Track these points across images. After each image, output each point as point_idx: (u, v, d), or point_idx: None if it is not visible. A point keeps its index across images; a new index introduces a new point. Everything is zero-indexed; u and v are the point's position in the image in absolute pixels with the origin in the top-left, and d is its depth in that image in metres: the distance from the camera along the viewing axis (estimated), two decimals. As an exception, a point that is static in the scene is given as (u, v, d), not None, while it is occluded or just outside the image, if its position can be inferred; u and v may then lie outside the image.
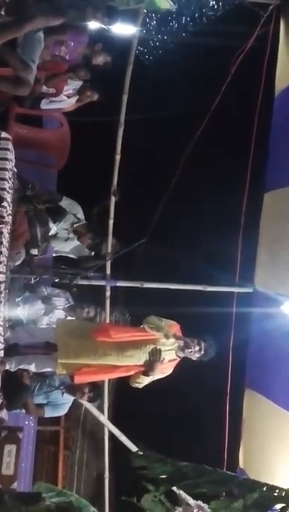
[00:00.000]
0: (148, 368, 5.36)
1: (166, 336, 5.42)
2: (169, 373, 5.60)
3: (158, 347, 5.36)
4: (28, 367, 5.57)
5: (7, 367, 5.47)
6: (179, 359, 5.54)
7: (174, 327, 5.60)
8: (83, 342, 5.43)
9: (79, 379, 5.57)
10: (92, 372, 5.51)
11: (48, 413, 6.16)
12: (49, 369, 5.60)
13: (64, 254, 7.05)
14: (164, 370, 5.54)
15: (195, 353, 5.45)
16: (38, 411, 6.08)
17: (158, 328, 5.49)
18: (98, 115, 7.78)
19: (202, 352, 5.44)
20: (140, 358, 5.38)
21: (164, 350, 5.41)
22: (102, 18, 5.79)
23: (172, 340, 5.45)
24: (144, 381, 5.45)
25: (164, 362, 5.41)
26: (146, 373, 5.38)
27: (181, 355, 5.51)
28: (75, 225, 6.83)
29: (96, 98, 6.78)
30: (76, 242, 6.97)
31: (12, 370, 5.51)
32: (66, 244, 6.95)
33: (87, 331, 5.55)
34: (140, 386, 5.50)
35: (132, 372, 5.44)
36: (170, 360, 5.51)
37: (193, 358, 5.50)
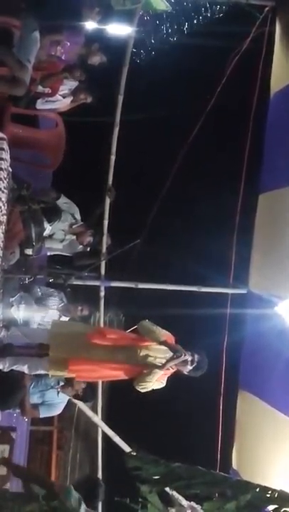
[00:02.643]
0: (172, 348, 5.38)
1: (157, 341, 5.42)
2: (163, 386, 5.59)
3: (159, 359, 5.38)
4: (21, 368, 5.56)
5: (0, 367, 5.47)
6: (172, 370, 5.52)
7: (168, 337, 5.59)
8: (77, 342, 5.42)
9: (73, 368, 5.54)
10: (87, 369, 5.50)
11: (43, 413, 6.15)
12: (42, 371, 5.59)
13: (57, 252, 7.04)
14: (163, 377, 5.53)
15: (186, 365, 5.43)
16: (33, 412, 6.07)
17: (149, 332, 5.49)
18: (94, 115, 7.78)
19: (194, 364, 5.42)
20: (133, 360, 5.37)
21: (159, 358, 5.40)
22: (96, 16, 5.82)
23: (164, 348, 5.45)
24: (152, 379, 5.39)
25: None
26: (160, 368, 5.35)
27: (174, 366, 5.50)
28: (73, 226, 6.82)
29: (90, 100, 6.78)
30: (69, 240, 6.96)
31: (5, 370, 5.50)
32: (60, 244, 6.94)
33: (82, 333, 5.54)
34: (145, 389, 5.47)
35: (121, 372, 5.43)
36: (166, 369, 5.49)
37: (185, 371, 5.47)
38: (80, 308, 6.54)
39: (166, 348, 5.47)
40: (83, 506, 4.25)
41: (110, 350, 5.40)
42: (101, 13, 6.00)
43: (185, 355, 5.36)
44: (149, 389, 5.48)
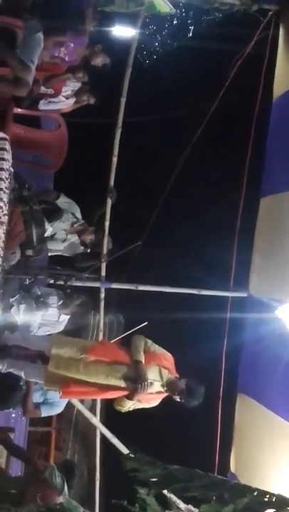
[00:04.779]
0: (130, 393, 5.28)
1: (132, 358, 5.35)
2: (155, 405, 5.54)
3: (149, 381, 5.27)
4: (17, 372, 5.55)
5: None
6: (166, 393, 5.45)
7: (164, 357, 5.55)
8: (76, 358, 5.35)
9: (66, 395, 5.55)
10: (80, 392, 5.47)
11: (45, 412, 6.14)
12: (37, 380, 5.57)
13: (58, 253, 7.03)
14: (149, 400, 5.47)
15: (174, 394, 5.37)
16: (34, 412, 6.06)
17: (132, 347, 5.45)
18: (96, 117, 7.79)
19: (183, 395, 5.33)
20: (128, 379, 5.29)
21: (151, 378, 5.31)
22: (92, 24, 5.85)
23: (156, 368, 5.38)
24: (126, 405, 5.38)
25: (149, 392, 5.33)
26: (128, 397, 5.31)
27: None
28: (75, 225, 6.81)
29: (92, 102, 6.78)
30: (71, 241, 6.96)
31: (3, 371, 5.49)
32: (62, 245, 6.94)
33: (81, 348, 5.46)
34: (122, 410, 5.44)
35: (119, 394, 5.36)
36: (157, 392, 5.43)
37: (176, 399, 5.40)
38: (76, 300, 6.47)
39: (157, 368, 5.40)
40: (65, 485, 4.65)
41: (109, 368, 5.33)
42: (98, 20, 6.02)
43: (141, 388, 5.20)
44: (129, 409, 5.44)
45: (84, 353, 5.38)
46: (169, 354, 5.60)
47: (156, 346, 5.56)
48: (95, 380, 5.29)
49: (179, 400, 5.38)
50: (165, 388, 5.42)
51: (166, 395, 5.47)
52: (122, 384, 5.29)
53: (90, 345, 5.58)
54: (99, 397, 5.87)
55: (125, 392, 5.32)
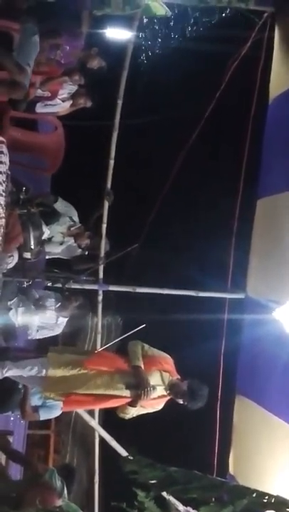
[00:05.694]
0: (134, 400, 5.23)
1: (130, 363, 5.30)
2: (159, 409, 5.49)
3: (152, 386, 5.19)
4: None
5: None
6: (169, 396, 5.39)
7: (161, 360, 5.44)
8: (75, 374, 5.27)
9: (68, 406, 5.52)
10: (82, 402, 5.44)
11: (43, 415, 6.10)
12: (35, 386, 5.55)
13: (56, 256, 7.04)
14: (152, 405, 5.41)
15: (177, 397, 5.32)
16: (33, 415, 6.03)
17: (130, 353, 5.40)
18: (93, 119, 7.79)
19: (185, 397, 5.27)
20: (130, 387, 5.22)
21: (154, 385, 5.24)
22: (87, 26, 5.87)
23: (158, 374, 5.32)
24: (130, 412, 5.33)
25: (152, 397, 5.26)
26: (131, 404, 5.25)
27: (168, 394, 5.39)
28: (71, 228, 6.82)
29: (89, 105, 6.78)
30: (68, 243, 6.96)
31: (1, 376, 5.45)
32: (60, 248, 6.95)
33: (79, 363, 5.34)
34: (126, 417, 5.39)
35: (122, 402, 5.29)
36: (160, 396, 5.36)
37: (180, 402, 5.34)
38: (75, 302, 6.46)
39: (159, 373, 5.35)
40: (65, 488, 4.61)
41: (110, 378, 5.26)
42: (94, 23, 6.05)
43: (144, 394, 5.13)
44: (132, 416, 5.40)
45: (82, 367, 5.30)
46: (168, 356, 5.56)
47: (154, 350, 5.51)
48: (94, 392, 5.24)
49: (182, 402, 5.33)
50: (168, 391, 5.37)
51: (169, 398, 5.43)
52: (124, 392, 5.22)
53: (87, 359, 5.47)
54: (102, 407, 5.80)
55: (128, 400, 5.27)
